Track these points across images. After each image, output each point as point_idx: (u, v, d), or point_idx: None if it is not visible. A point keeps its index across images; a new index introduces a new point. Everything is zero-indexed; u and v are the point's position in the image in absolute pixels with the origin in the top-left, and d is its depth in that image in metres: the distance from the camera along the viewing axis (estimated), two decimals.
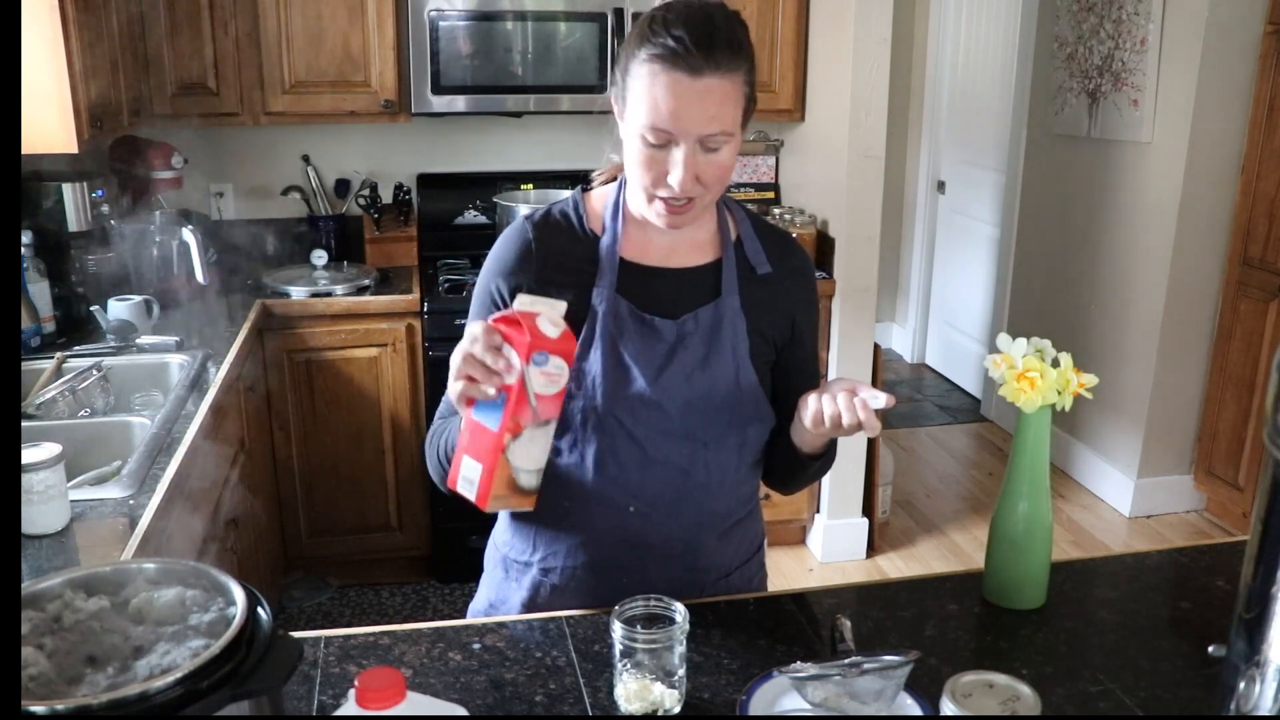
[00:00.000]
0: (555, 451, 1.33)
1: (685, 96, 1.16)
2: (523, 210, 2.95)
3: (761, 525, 1.49)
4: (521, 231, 1.34)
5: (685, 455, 1.31)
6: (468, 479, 1.15)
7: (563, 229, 1.34)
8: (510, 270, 1.31)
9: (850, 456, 3.31)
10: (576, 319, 1.28)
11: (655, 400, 1.28)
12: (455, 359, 1.12)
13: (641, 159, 1.21)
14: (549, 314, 1.13)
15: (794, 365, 1.40)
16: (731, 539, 1.41)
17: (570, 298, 1.23)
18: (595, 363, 1.27)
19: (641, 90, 1.19)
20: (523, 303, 1.15)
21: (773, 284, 1.35)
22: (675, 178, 1.20)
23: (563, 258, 1.31)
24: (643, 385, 1.28)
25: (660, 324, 1.29)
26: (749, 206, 1.45)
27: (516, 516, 1.40)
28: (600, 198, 1.36)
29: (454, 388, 1.12)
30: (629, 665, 1.10)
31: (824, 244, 3.28)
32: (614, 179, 1.37)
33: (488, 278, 1.34)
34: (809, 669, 1.07)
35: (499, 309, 1.30)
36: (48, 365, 2.26)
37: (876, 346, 3.30)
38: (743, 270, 1.34)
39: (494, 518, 1.46)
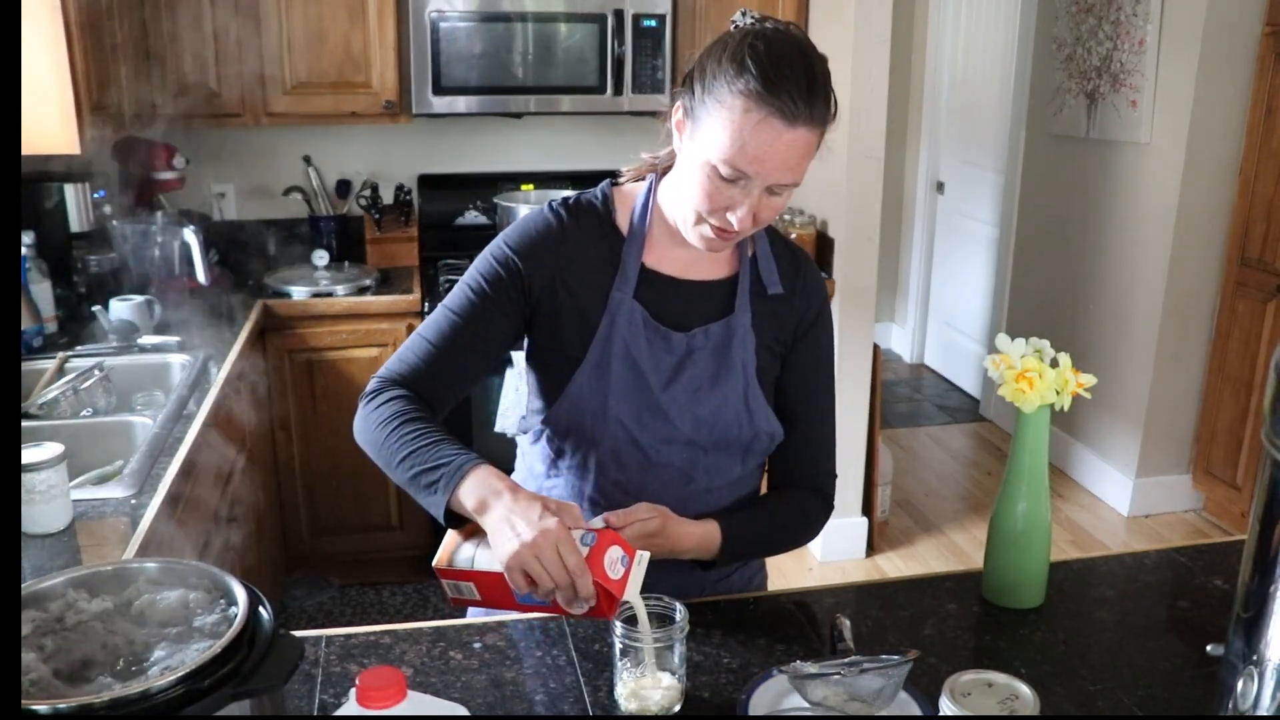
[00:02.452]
0: (559, 453, 1.33)
1: (774, 145, 1.13)
2: (523, 210, 2.97)
3: None
4: (552, 217, 1.31)
5: (687, 460, 1.31)
6: (472, 602, 1.16)
7: (590, 221, 1.31)
8: (534, 254, 1.28)
9: (850, 456, 3.32)
10: (591, 316, 1.28)
11: (663, 411, 1.28)
12: (539, 557, 1.04)
13: (704, 187, 1.18)
14: (637, 576, 1.11)
15: (793, 379, 1.37)
16: None
17: (588, 298, 1.26)
18: (607, 368, 1.27)
19: (727, 121, 1.13)
20: (631, 592, 1.10)
21: (781, 302, 1.34)
22: (737, 216, 1.18)
23: (587, 252, 1.29)
24: (651, 394, 1.28)
25: (671, 335, 1.28)
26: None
27: None
28: (629, 195, 1.34)
29: (512, 574, 1.06)
30: (629, 664, 1.11)
31: (824, 244, 3.29)
32: (643, 178, 1.35)
33: (505, 250, 1.29)
34: (809, 668, 1.07)
35: (503, 279, 1.27)
36: (50, 365, 2.26)
37: (876, 346, 3.30)
38: (755, 288, 1.33)
39: None
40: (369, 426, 1.24)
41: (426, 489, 1.15)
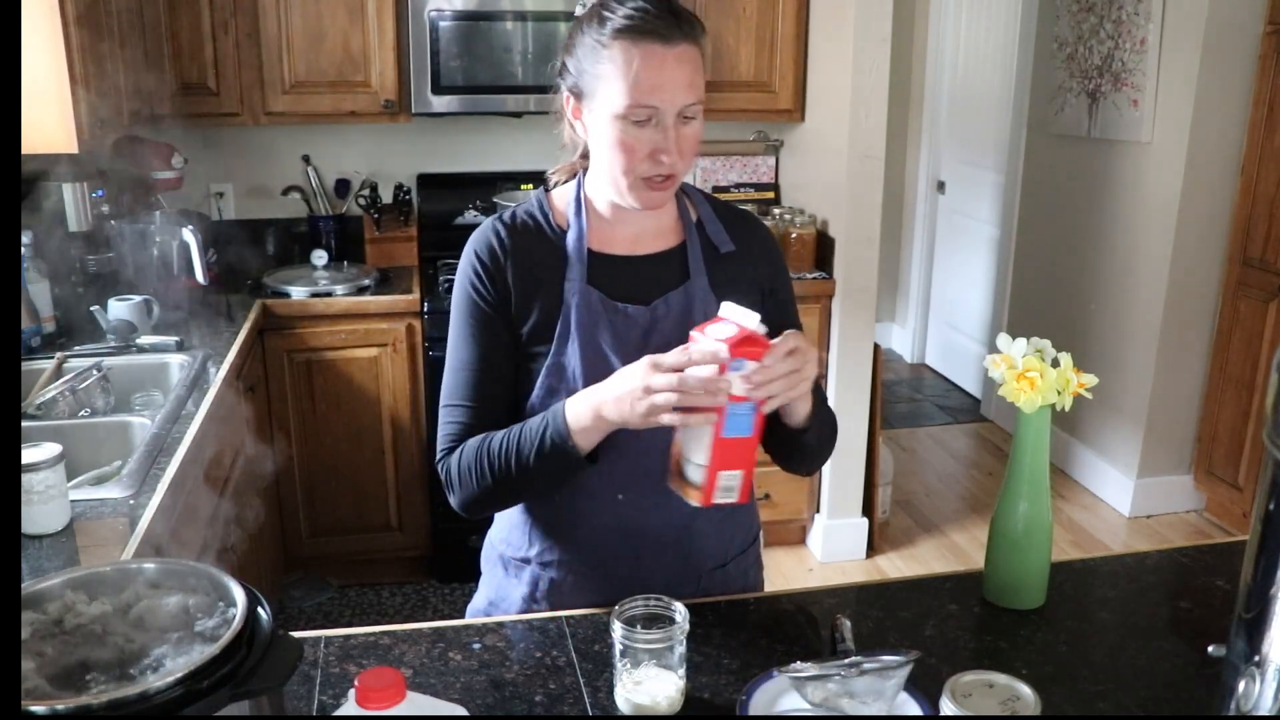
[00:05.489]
0: None
1: (663, 66, 1.18)
2: None
3: (757, 518, 1.50)
4: (491, 232, 1.35)
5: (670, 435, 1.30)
6: (728, 488, 1.17)
7: (530, 228, 1.36)
8: (486, 271, 1.32)
9: (850, 456, 3.31)
10: (549, 313, 1.31)
11: None
12: (663, 387, 1.10)
13: (620, 142, 1.22)
14: (752, 320, 1.14)
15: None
16: (726, 528, 1.41)
17: (546, 295, 1.29)
18: (573, 355, 1.29)
19: (612, 70, 1.19)
20: (730, 311, 1.16)
21: (737, 260, 1.37)
22: (668, 157, 1.21)
23: (532, 256, 1.33)
24: None
25: (632, 311, 1.31)
26: (718, 196, 1.46)
27: (511, 514, 1.40)
28: (562, 196, 1.39)
29: (657, 418, 1.11)
30: (629, 665, 1.10)
31: (824, 244, 3.28)
32: (572, 176, 1.40)
33: (465, 284, 1.33)
34: (809, 669, 1.07)
35: (483, 308, 1.31)
36: (48, 365, 2.26)
37: (876, 346, 3.30)
38: (707, 251, 1.36)
39: (491, 517, 1.46)
40: (468, 480, 1.28)
41: (552, 454, 1.20)
